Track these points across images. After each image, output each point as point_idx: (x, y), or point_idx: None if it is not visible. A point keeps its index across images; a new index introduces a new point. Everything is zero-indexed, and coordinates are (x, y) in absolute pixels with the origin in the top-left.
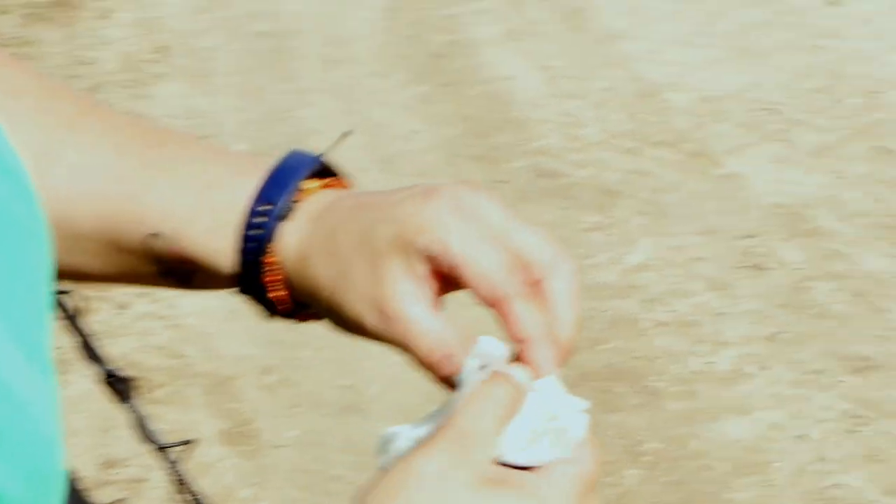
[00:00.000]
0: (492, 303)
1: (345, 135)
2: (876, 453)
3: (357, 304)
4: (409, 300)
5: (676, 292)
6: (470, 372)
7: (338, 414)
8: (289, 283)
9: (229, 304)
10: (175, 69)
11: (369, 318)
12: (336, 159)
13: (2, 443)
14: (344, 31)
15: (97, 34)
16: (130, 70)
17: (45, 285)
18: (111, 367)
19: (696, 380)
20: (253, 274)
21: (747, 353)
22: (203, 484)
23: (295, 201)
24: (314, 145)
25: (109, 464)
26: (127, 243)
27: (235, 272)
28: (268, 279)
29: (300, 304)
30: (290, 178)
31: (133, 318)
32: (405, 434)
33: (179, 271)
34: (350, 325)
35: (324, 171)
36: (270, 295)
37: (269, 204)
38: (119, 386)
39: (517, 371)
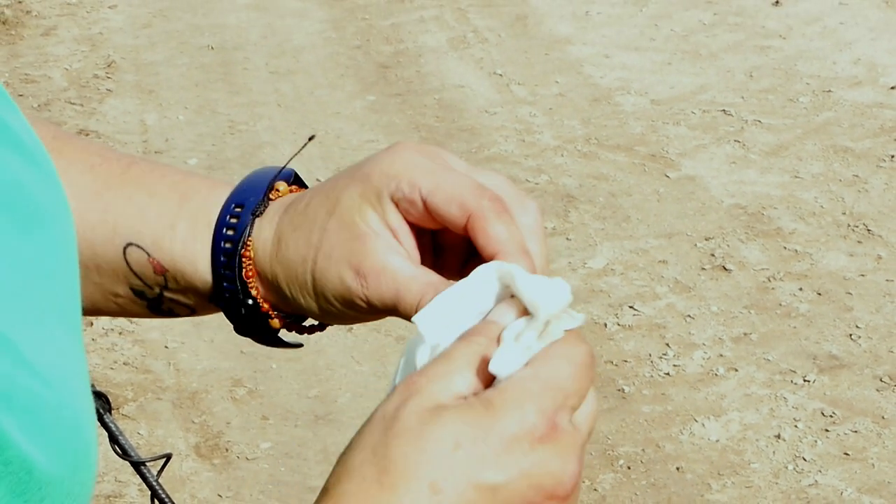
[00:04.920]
0: (465, 222)
1: (311, 139)
2: (851, 452)
3: (334, 269)
4: (385, 252)
5: (642, 295)
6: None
7: (310, 425)
8: (268, 281)
9: (192, 318)
10: (123, 85)
11: (349, 281)
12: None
13: (35, 422)
14: (289, 43)
15: (42, 52)
16: (78, 87)
17: (75, 269)
18: None
19: (667, 382)
20: (229, 280)
21: (717, 355)
22: (179, 498)
23: (268, 200)
24: (267, 158)
25: None
26: (104, 258)
27: (210, 280)
28: (247, 275)
29: (289, 315)
30: (261, 182)
31: (97, 335)
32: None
33: (154, 287)
34: (334, 300)
35: (294, 183)
36: (250, 289)
37: (241, 206)
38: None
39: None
